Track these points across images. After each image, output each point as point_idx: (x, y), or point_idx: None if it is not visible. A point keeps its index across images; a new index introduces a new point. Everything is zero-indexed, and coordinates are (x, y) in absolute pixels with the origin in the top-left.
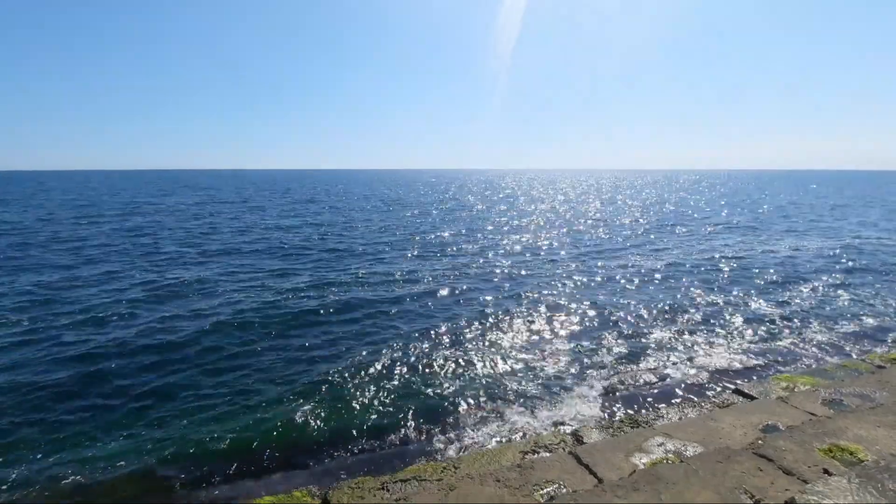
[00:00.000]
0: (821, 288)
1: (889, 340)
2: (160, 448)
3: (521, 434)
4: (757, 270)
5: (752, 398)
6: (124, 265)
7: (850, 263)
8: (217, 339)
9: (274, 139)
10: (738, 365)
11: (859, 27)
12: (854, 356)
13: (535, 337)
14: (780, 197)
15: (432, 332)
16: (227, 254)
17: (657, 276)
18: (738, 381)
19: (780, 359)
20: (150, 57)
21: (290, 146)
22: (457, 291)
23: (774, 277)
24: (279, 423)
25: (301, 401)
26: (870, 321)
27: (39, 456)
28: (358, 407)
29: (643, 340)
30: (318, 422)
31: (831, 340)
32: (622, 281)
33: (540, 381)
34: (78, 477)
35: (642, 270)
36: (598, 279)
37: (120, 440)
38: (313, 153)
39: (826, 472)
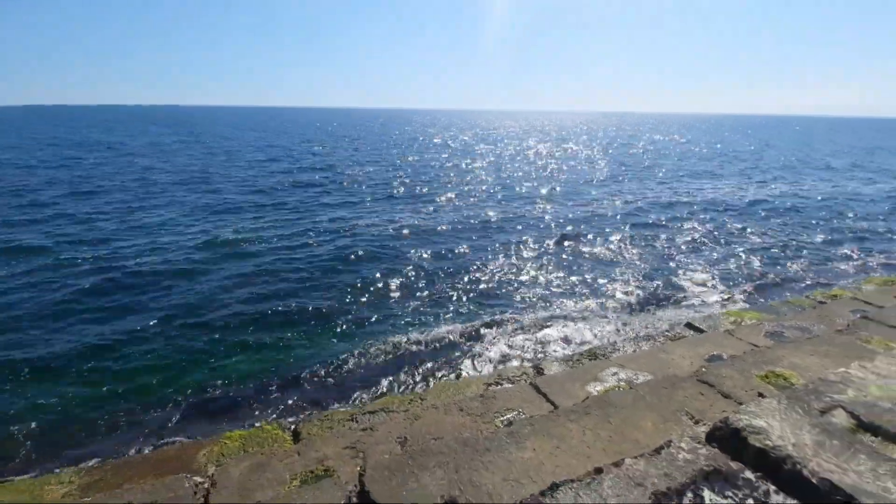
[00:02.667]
0: (784, 229)
1: (836, 278)
2: (120, 388)
3: (486, 368)
4: (723, 210)
5: (701, 331)
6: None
7: (819, 209)
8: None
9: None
10: (693, 301)
11: None
12: (799, 293)
13: (501, 276)
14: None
15: (403, 270)
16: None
17: (623, 215)
18: (691, 316)
19: (732, 295)
20: None
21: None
22: (426, 230)
23: (740, 218)
24: (250, 360)
25: (271, 338)
26: (820, 262)
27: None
28: (330, 344)
29: (605, 278)
30: (289, 358)
31: (782, 279)
32: (591, 220)
33: (504, 318)
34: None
35: (610, 211)
36: (566, 218)
37: (74, 387)
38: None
39: (760, 394)
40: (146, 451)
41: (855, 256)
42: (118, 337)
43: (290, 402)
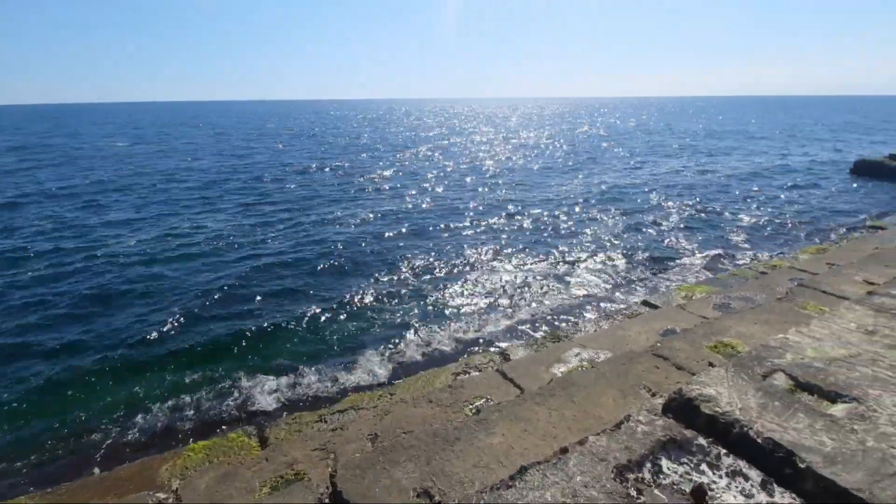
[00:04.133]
0: (729, 205)
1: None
2: (71, 406)
3: (453, 359)
4: (671, 192)
5: (656, 307)
6: None
7: (776, 180)
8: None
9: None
10: (648, 280)
11: None
12: (743, 264)
13: (464, 268)
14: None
15: (360, 264)
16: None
17: (582, 201)
18: (647, 294)
19: (683, 271)
20: None
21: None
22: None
23: (692, 197)
24: (209, 367)
25: (229, 343)
26: (766, 232)
27: None
28: (294, 345)
29: (566, 264)
30: (252, 363)
31: (727, 251)
32: (548, 207)
33: (471, 309)
34: None
35: (568, 197)
36: (521, 207)
37: (22, 408)
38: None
39: (710, 364)
40: (105, 472)
41: (790, 226)
42: (64, 351)
43: (254, 407)
